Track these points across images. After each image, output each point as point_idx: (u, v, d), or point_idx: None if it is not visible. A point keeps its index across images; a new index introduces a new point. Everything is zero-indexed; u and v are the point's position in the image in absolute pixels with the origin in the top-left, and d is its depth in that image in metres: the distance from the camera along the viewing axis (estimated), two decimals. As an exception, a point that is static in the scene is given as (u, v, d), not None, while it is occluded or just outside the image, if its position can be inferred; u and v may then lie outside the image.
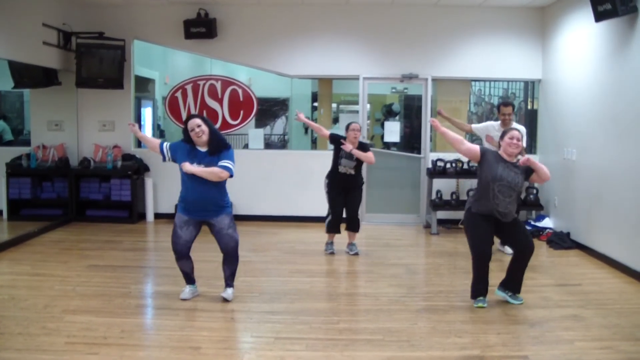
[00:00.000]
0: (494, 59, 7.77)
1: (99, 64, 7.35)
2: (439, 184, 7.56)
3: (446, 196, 7.53)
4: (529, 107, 8.46)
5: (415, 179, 8.05)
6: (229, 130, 8.03)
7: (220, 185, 4.34)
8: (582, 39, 6.58)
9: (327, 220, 6.15)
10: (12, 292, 4.72)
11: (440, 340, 3.84)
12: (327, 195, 6.09)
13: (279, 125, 10.38)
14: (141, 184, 7.85)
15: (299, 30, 7.84)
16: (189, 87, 8.04)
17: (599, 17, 5.73)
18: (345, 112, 9.25)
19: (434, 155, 7.73)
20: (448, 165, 7.43)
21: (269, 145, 8.89)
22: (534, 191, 7.28)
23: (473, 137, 7.56)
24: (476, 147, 4.47)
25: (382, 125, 8.43)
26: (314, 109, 9.43)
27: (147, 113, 9.41)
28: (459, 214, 7.39)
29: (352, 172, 5.93)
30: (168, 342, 3.78)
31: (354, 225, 6.12)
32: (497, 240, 4.68)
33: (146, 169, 7.92)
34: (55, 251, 6.17)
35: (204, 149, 4.32)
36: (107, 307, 4.40)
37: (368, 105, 8.18)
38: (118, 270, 5.47)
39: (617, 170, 5.75)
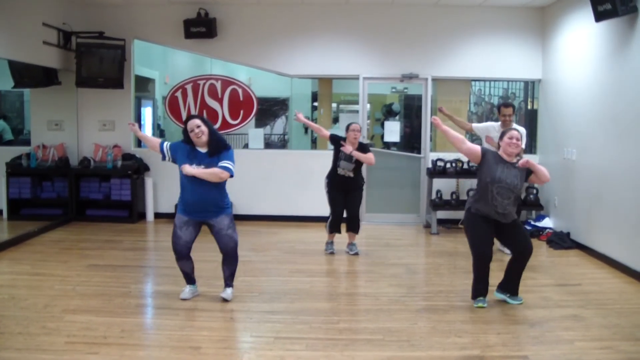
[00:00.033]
0: (494, 59, 7.78)
1: (99, 63, 7.35)
2: (439, 183, 7.56)
3: (446, 196, 7.53)
4: (529, 107, 8.46)
5: (415, 179, 8.06)
6: (229, 130, 8.03)
7: (220, 186, 4.34)
8: (582, 39, 6.58)
9: (329, 221, 6.15)
10: (12, 291, 4.72)
11: (440, 340, 3.84)
12: (327, 195, 6.09)
13: (279, 125, 10.38)
14: (141, 184, 7.85)
15: (299, 30, 7.84)
16: (189, 87, 8.04)
17: (599, 17, 5.73)
18: (345, 112, 9.25)
19: (434, 155, 7.73)
20: (448, 165, 7.43)
21: (269, 145, 8.89)
22: (534, 191, 7.28)
23: (473, 137, 7.56)
24: (477, 148, 4.47)
25: (382, 125, 8.43)
26: (314, 108, 9.43)
27: (147, 113, 9.41)
28: (459, 214, 7.39)
29: (351, 174, 5.92)
30: (168, 341, 3.78)
31: (354, 226, 6.12)
32: (497, 241, 4.67)
33: (146, 168, 7.92)
34: (55, 251, 6.17)
35: (203, 150, 4.32)
36: (107, 306, 4.40)
37: (368, 105, 8.18)
38: (118, 269, 5.48)
39: (617, 170, 5.75)
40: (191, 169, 4.21)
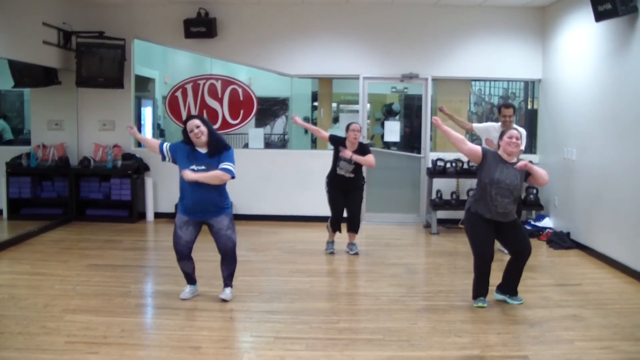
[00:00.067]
0: (494, 59, 7.78)
1: (99, 63, 7.35)
2: (439, 183, 7.56)
3: (446, 196, 7.53)
4: (529, 107, 8.46)
5: (415, 179, 8.05)
6: (229, 130, 8.04)
7: (220, 187, 4.33)
8: (582, 39, 6.58)
9: (329, 220, 6.16)
10: (12, 291, 4.72)
11: (440, 340, 3.84)
12: (327, 195, 6.09)
13: (279, 125, 10.39)
14: (141, 184, 7.85)
15: (299, 30, 7.84)
16: (189, 87, 8.04)
17: (599, 17, 5.73)
18: (345, 111, 9.25)
19: (434, 155, 7.73)
20: (448, 165, 7.43)
21: (269, 144, 8.89)
22: (534, 191, 7.28)
23: (473, 137, 7.56)
24: (477, 148, 4.47)
25: (382, 125, 8.43)
26: (314, 108, 9.43)
27: (147, 112, 9.41)
28: (459, 214, 7.39)
29: (352, 175, 5.92)
30: (168, 341, 3.78)
31: (354, 226, 6.12)
32: (497, 241, 4.67)
33: (146, 168, 7.92)
34: (55, 250, 6.17)
35: (203, 150, 4.31)
36: (107, 306, 4.40)
37: (368, 105, 8.18)
38: (118, 269, 5.48)
39: (617, 170, 5.75)
40: (192, 175, 4.18)
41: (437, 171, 7.48)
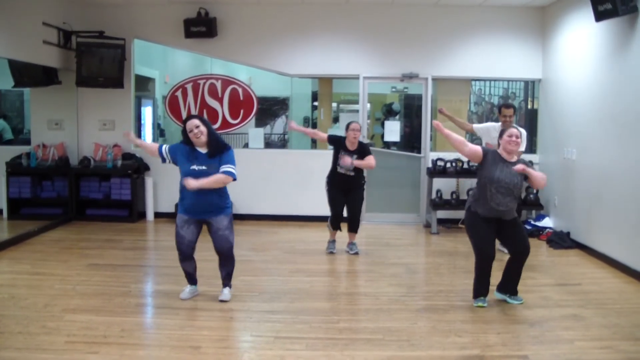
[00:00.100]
0: (494, 59, 7.77)
1: (99, 63, 7.35)
2: (439, 183, 7.56)
3: (446, 196, 7.53)
4: (529, 106, 8.46)
5: (415, 179, 8.05)
6: (229, 130, 8.04)
7: (220, 188, 4.33)
8: (582, 39, 6.58)
9: (329, 219, 6.17)
10: (12, 291, 4.73)
11: (440, 340, 3.84)
12: (327, 194, 6.09)
13: (279, 125, 10.38)
14: (141, 183, 7.85)
15: (299, 30, 7.84)
16: (189, 87, 8.04)
17: (599, 16, 5.73)
18: (346, 111, 9.25)
19: (434, 155, 7.73)
20: (448, 165, 7.43)
21: (269, 144, 8.89)
22: (534, 191, 7.28)
23: (473, 137, 7.56)
24: (478, 148, 4.47)
25: (382, 125, 8.43)
26: (314, 108, 9.43)
27: (147, 112, 9.41)
28: (459, 214, 7.42)
29: (352, 173, 5.92)
30: (168, 341, 3.78)
31: (354, 226, 6.12)
32: (497, 240, 4.67)
33: (146, 168, 7.92)
34: (55, 250, 6.17)
35: (203, 151, 4.31)
36: (107, 306, 4.40)
37: (368, 105, 8.18)
38: (118, 269, 5.48)
39: (617, 170, 5.75)
40: (195, 183, 4.15)
41: (437, 171, 7.48)
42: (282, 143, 9.92)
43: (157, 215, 7.95)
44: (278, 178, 7.94)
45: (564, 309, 4.48)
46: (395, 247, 6.64)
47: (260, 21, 7.79)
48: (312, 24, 7.82)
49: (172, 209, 7.61)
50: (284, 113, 10.26)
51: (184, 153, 4.33)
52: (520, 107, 8.48)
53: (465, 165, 7.48)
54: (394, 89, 9.01)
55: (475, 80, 8.42)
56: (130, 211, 7.74)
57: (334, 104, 9.34)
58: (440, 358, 3.59)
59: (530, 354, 3.62)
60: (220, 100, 8.03)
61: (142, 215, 7.91)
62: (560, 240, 6.64)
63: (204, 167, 4.25)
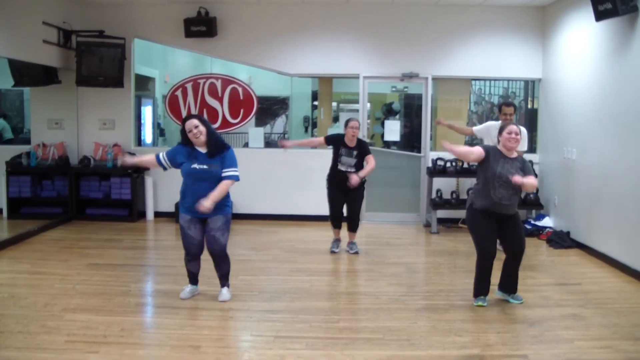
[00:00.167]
0: (494, 58, 7.77)
1: (99, 62, 7.35)
2: (439, 183, 7.56)
3: (446, 195, 7.53)
4: (529, 106, 8.46)
5: (415, 178, 8.06)
6: (229, 129, 8.04)
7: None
8: (582, 39, 6.58)
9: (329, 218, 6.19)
10: (12, 290, 4.73)
11: (440, 339, 3.84)
12: (327, 192, 6.10)
13: (279, 124, 10.39)
14: (141, 183, 7.85)
15: (299, 29, 7.84)
16: (189, 86, 8.04)
17: (599, 16, 5.73)
18: (346, 111, 9.25)
19: (434, 154, 7.73)
20: (448, 164, 7.43)
21: (269, 144, 8.89)
22: (534, 190, 7.27)
23: (473, 139, 7.57)
24: (480, 149, 4.47)
25: (382, 124, 8.43)
26: (314, 107, 9.43)
27: (147, 111, 9.41)
28: (459, 213, 7.44)
29: (353, 169, 5.93)
30: (168, 340, 3.78)
31: (353, 225, 6.13)
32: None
33: (146, 167, 7.90)
34: (55, 249, 6.17)
35: (203, 150, 4.31)
36: (107, 305, 4.40)
37: (368, 104, 8.18)
38: (118, 268, 5.48)
39: (617, 169, 5.75)
40: (208, 202, 4.13)
41: (437, 170, 7.48)
42: (282, 143, 9.91)
43: (157, 214, 7.95)
44: (278, 177, 7.94)
45: (563, 308, 4.49)
46: (395, 247, 6.64)
47: (260, 21, 7.79)
48: (312, 24, 7.81)
49: (172, 209, 7.62)
50: (284, 112, 10.27)
51: (183, 154, 4.33)
52: (520, 107, 8.48)
53: (465, 165, 7.47)
54: (394, 89, 9.01)
55: (475, 79, 8.42)
56: (130, 210, 7.74)
57: (334, 104, 9.34)
58: (440, 357, 3.59)
59: (530, 354, 3.62)
60: (220, 100, 8.03)
61: (142, 215, 7.91)
62: (560, 240, 6.64)
63: (204, 166, 4.26)
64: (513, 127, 4.41)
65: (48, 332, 3.84)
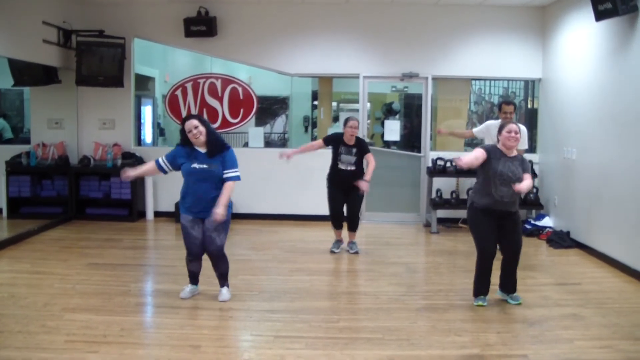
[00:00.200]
0: (494, 58, 7.77)
1: (99, 62, 7.34)
2: (439, 182, 7.56)
3: (446, 195, 7.53)
4: (529, 106, 8.46)
5: (415, 178, 8.05)
6: (229, 129, 8.03)
7: (220, 187, 4.33)
8: (582, 38, 6.58)
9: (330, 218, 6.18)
10: (12, 290, 4.72)
11: (440, 339, 3.85)
12: (328, 192, 6.10)
13: (279, 124, 10.39)
14: (141, 182, 7.84)
15: (299, 29, 7.84)
16: (189, 86, 8.03)
17: (599, 16, 5.73)
18: (346, 110, 9.25)
19: (434, 154, 7.73)
20: (448, 164, 7.42)
21: (269, 143, 8.89)
22: (534, 190, 7.28)
23: (474, 141, 7.57)
24: (482, 152, 4.45)
25: (382, 124, 8.43)
26: (314, 107, 9.43)
27: (147, 111, 9.41)
28: (459, 213, 7.44)
29: (353, 167, 5.92)
30: (168, 340, 3.78)
31: (353, 225, 6.13)
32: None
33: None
34: (55, 249, 6.17)
35: (203, 150, 4.31)
36: (107, 305, 4.40)
37: (368, 104, 8.17)
38: (118, 268, 5.48)
39: (617, 169, 5.75)
40: (220, 211, 4.16)
41: (437, 170, 7.48)
42: (282, 142, 9.93)
43: (157, 214, 7.94)
44: (278, 177, 7.94)
45: (563, 308, 4.49)
46: (395, 247, 6.64)
47: (260, 20, 7.79)
48: (312, 23, 7.81)
49: (172, 208, 7.62)
50: (284, 112, 10.27)
51: (183, 154, 4.33)
52: (520, 107, 8.48)
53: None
54: (394, 89, 9.01)
55: (475, 79, 8.42)
56: (130, 210, 7.74)
57: (334, 103, 9.34)
58: (440, 357, 3.59)
59: (529, 353, 3.62)
60: (220, 100, 8.02)
61: (142, 215, 7.91)
62: (560, 240, 6.64)
63: (204, 166, 4.26)
64: (512, 126, 4.42)
65: (48, 331, 3.84)
